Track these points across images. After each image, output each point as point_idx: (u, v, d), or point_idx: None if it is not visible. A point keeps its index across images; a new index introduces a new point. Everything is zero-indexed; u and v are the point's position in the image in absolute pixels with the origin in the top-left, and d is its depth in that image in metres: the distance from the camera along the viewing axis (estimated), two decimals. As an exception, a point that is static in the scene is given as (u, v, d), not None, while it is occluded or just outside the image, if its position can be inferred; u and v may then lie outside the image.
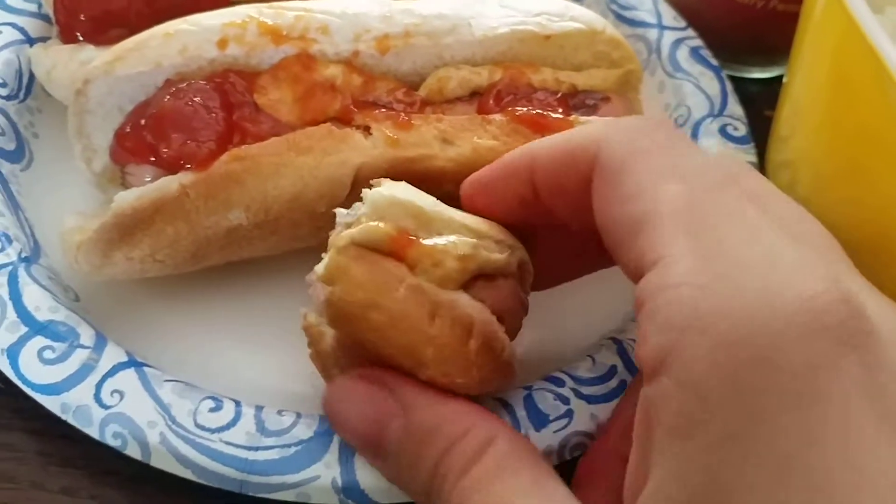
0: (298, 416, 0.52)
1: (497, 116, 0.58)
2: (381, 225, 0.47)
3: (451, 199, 0.58)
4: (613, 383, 0.55)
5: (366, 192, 0.48)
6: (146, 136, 0.55)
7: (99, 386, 0.52)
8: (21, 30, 0.66)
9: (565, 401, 0.54)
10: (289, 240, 0.58)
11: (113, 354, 0.53)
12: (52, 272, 0.58)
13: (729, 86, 0.70)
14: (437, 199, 0.50)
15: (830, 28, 0.56)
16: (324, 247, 0.48)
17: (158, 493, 0.53)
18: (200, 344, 0.59)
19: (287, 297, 0.61)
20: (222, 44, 0.57)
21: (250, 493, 0.50)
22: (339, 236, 0.47)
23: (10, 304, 0.54)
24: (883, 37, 0.50)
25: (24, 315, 0.54)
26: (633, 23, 0.73)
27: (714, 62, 0.71)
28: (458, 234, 0.48)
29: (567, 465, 0.53)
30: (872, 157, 0.54)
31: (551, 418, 0.53)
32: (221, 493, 0.51)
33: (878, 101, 0.51)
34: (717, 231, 0.41)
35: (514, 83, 0.60)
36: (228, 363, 0.58)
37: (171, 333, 0.59)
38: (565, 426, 0.53)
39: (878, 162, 0.53)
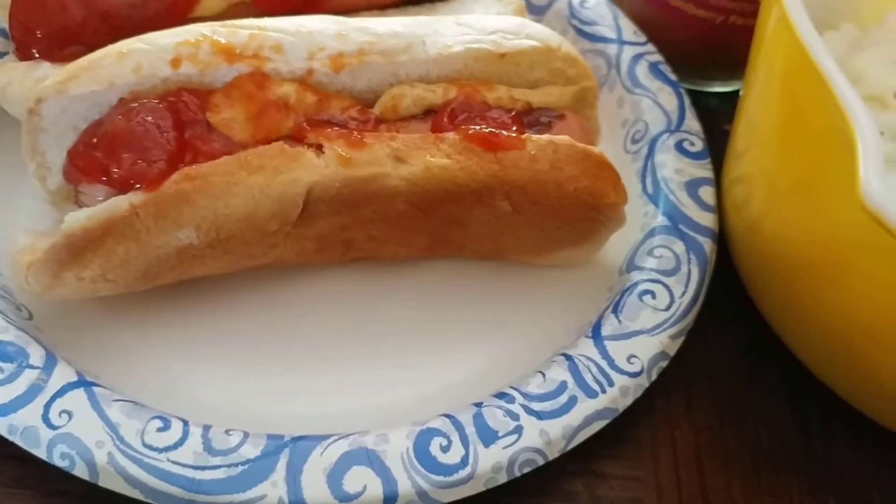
0: (246, 435, 0.52)
1: (450, 135, 0.58)
2: None
3: (405, 218, 0.59)
4: (563, 399, 0.54)
5: None
6: (98, 156, 0.55)
7: (48, 406, 0.52)
8: (-23, 47, 0.66)
9: (515, 417, 0.54)
10: (241, 258, 0.58)
11: (63, 374, 0.53)
12: (5, 290, 0.58)
13: (687, 101, 0.70)
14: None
15: (780, 44, 0.57)
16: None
17: (108, 514, 0.53)
18: (153, 361, 0.59)
19: (238, 315, 0.61)
20: (176, 62, 0.57)
21: (197, 513, 0.50)
22: None
23: (-42, 325, 0.54)
24: (824, 55, 0.50)
25: (-28, 335, 0.54)
26: (593, 38, 0.73)
27: (672, 77, 0.71)
28: None
29: (517, 482, 0.53)
30: (820, 173, 0.54)
31: (500, 434, 0.53)
32: (171, 513, 0.51)
33: (822, 117, 0.51)
34: None
35: (469, 101, 0.60)
36: (180, 380, 0.58)
37: (124, 351, 0.59)
38: (514, 442, 0.53)
39: (826, 177, 0.54)
